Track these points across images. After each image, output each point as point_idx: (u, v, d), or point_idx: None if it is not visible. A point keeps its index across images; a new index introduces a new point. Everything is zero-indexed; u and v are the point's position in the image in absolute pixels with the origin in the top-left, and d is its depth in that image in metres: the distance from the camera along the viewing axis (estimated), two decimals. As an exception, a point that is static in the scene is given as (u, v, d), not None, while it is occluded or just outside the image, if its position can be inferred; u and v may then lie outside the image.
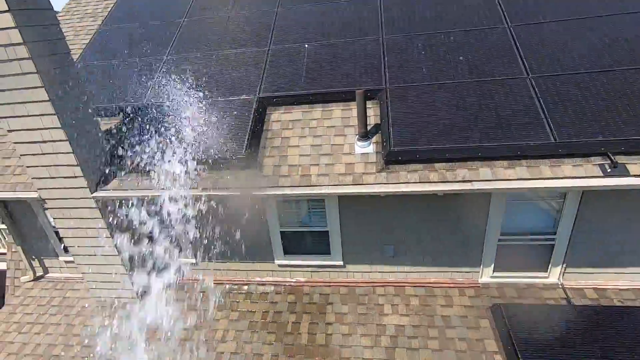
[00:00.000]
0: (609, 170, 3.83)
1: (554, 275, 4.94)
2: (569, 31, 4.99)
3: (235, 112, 5.01)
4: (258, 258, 5.48)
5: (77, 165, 4.55)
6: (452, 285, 5.15)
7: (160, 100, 5.30)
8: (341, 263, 5.32)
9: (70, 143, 4.41)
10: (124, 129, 5.14)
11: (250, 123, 4.86)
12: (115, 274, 5.35)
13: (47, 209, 4.98)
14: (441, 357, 4.35)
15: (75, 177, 4.62)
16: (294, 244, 5.32)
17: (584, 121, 4.09)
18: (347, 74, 5.16)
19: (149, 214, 4.88)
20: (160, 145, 4.82)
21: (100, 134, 4.93)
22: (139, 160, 4.82)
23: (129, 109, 5.31)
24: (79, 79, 4.60)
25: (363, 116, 4.44)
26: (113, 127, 5.27)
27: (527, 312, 4.56)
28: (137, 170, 4.79)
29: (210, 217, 4.96)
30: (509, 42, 5.05)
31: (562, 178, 3.88)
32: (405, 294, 5.13)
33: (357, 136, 4.60)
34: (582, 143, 3.96)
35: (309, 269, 5.47)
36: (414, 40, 5.38)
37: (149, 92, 5.51)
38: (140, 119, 5.14)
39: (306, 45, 5.65)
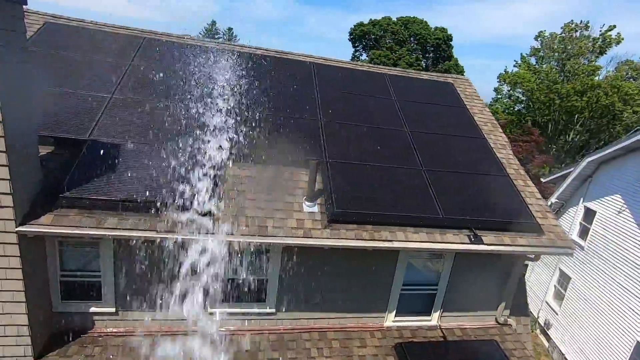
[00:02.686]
0: (473, 239, 5.69)
1: (434, 318, 6.48)
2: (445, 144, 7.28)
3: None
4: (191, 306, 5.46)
5: (8, 194, 4.08)
6: (364, 329, 6.15)
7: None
8: (273, 310, 5.77)
9: (9, 169, 4.01)
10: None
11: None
12: (8, 326, 4.53)
13: None
14: (361, 390, 5.14)
15: (2, 207, 4.10)
16: (230, 291, 5.57)
17: (459, 204, 6.01)
18: (295, 144, 6.19)
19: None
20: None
21: (37, 163, 4.55)
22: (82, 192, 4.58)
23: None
24: (30, 103, 4.34)
25: (313, 182, 5.44)
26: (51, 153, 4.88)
27: (421, 347, 5.85)
28: (79, 206, 4.53)
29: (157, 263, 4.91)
30: (409, 142, 7.01)
31: (448, 243, 5.55)
32: (328, 338, 5.87)
33: (305, 197, 5.52)
34: (458, 219, 5.79)
35: (241, 317, 5.70)
36: (345, 127, 6.88)
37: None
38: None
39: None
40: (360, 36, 43.28)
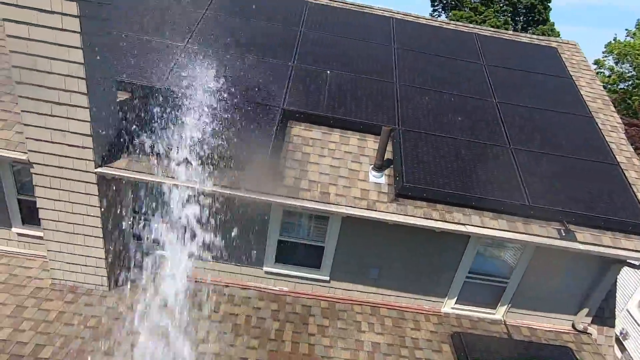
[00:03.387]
0: (564, 234, 4.89)
1: (499, 312, 5.90)
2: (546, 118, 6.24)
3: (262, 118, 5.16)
4: (247, 262, 5.53)
5: (89, 136, 4.24)
6: (420, 311, 5.81)
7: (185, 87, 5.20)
8: (327, 278, 5.64)
9: (90, 111, 4.12)
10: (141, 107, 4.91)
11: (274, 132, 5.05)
12: (89, 257, 4.94)
13: (33, 173, 4.44)
14: (411, 374, 4.90)
15: (83, 147, 4.29)
16: (288, 253, 5.51)
17: (551, 192, 5.16)
18: (366, 108, 5.69)
19: (152, 202, 4.70)
20: (179, 135, 4.73)
21: (115, 108, 4.67)
22: (153, 143, 4.65)
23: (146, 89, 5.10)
24: (111, 48, 4.36)
25: (383, 150, 4.97)
26: (129, 102, 4.99)
27: (481, 341, 5.38)
28: (149, 153, 4.61)
29: (214, 215, 4.94)
30: (497, 115, 6.11)
31: (532, 235, 4.83)
32: (380, 314, 5.64)
33: (372, 166, 5.10)
34: (547, 209, 4.99)
35: (295, 279, 5.67)
36: (424, 93, 6.17)
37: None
38: (162, 103, 4.97)
39: (328, 72, 6.07)
40: (441, -8, 39.23)
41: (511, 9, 37.45)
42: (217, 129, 4.82)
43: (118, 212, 5.04)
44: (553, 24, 36.70)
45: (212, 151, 4.61)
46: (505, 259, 5.68)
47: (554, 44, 8.02)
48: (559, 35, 35.69)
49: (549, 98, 6.63)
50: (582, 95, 6.82)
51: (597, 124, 6.36)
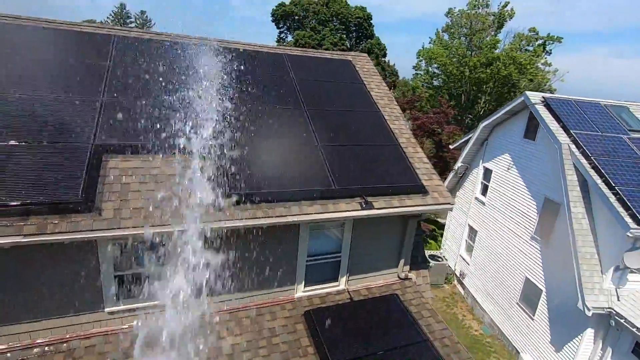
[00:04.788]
0: (364, 206, 6.15)
1: (342, 283, 6.96)
2: (345, 119, 7.63)
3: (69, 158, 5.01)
4: (82, 309, 5.23)
5: None
6: (275, 303, 6.40)
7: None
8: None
9: None
10: None
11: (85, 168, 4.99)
12: None
13: None
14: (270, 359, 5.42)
15: None
16: (127, 287, 5.43)
17: (351, 175, 6.41)
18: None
19: None
20: None
21: None
22: None
23: None
24: None
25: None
26: None
27: (327, 311, 6.27)
28: None
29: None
30: (306, 121, 7.23)
31: (340, 212, 5.93)
32: (239, 317, 6.03)
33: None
34: (350, 189, 6.20)
35: (146, 310, 5.60)
36: (239, 110, 6.87)
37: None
38: None
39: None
40: (283, 16, 42.64)
41: (343, 27, 43.19)
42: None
43: None
44: (378, 38, 43.63)
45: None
46: (333, 237, 6.75)
47: (349, 57, 9.84)
48: (385, 47, 42.72)
49: (347, 100, 8.16)
50: (372, 95, 8.59)
51: (384, 116, 8.12)
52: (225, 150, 5.93)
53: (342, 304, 6.55)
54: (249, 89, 7.44)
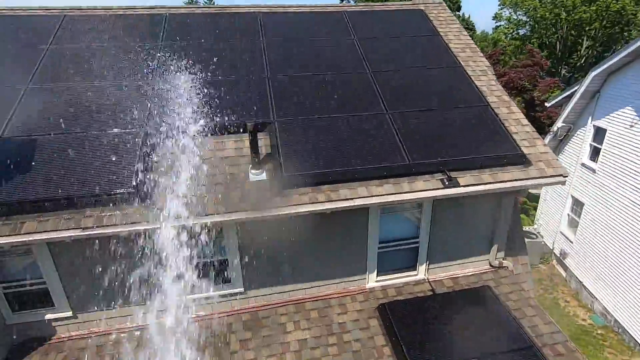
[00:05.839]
0: (447, 183, 5.03)
1: (421, 272, 6.01)
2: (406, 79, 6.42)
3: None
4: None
5: None
6: (345, 294, 5.75)
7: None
8: (242, 289, 5.41)
9: None
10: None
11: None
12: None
13: None
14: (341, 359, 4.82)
15: None
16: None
17: (429, 146, 5.30)
18: (238, 107, 5.50)
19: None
20: None
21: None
22: None
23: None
24: None
25: (255, 147, 4.81)
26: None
27: (405, 305, 5.43)
28: None
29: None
30: (372, 85, 6.18)
31: (417, 191, 4.92)
32: (306, 309, 5.51)
33: (250, 166, 4.93)
34: (428, 163, 5.11)
35: (209, 301, 5.37)
36: (297, 79, 6.09)
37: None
38: None
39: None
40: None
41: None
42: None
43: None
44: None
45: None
46: (409, 220, 5.77)
47: (421, 6, 8.33)
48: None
49: (421, 57, 6.85)
50: (450, 48, 7.12)
51: (467, 72, 6.66)
52: (277, 130, 5.25)
53: (422, 297, 5.63)
54: (306, 56, 6.59)
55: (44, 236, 4.12)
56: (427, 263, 5.97)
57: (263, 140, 5.28)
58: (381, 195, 4.85)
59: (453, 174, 5.12)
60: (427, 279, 6.02)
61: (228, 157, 5.08)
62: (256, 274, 5.38)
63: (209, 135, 5.16)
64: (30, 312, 4.92)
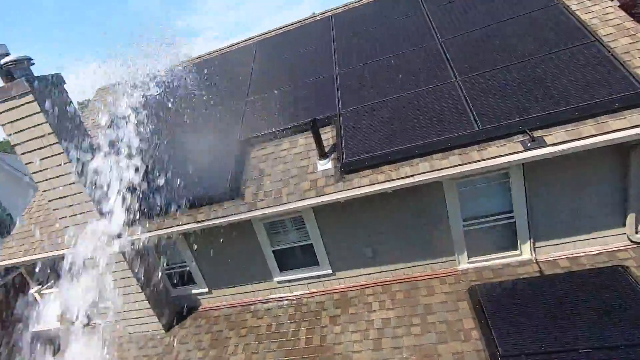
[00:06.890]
0: (529, 144, 4.30)
1: (525, 252, 5.20)
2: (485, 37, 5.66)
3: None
4: (259, 279, 6.20)
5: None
6: (433, 276, 5.52)
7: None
8: (330, 271, 5.89)
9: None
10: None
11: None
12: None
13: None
14: (423, 339, 4.71)
15: (101, 229, 5.73)
16: (286, 260, 6.00)
17: (504, 105, 4.64)
18: (310, 105, 6.06)
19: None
20: None
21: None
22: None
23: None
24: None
25: (317, 138, 5.25)
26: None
27: (500, 288, 4.84)
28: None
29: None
30: (439, 53, 5.78)
31: (489, 159, 4.39)
32: (392, 290, 5.57)
33: (318, 157, 5.40)
34: (502, 125, 4.48)
35: (304, 281, 6.07)
36: (363, 67, 6.26)
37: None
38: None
39: (275, 92, 6.68)
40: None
41: None
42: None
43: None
44: None
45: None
46: (497, 193, 5.10)
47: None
48: None
49: (501, 2, 5.95)
50: (546, -17, 5.92)
51: (567, 7, 5.43)
52: (341, 121, 5.54)
53: (526, 279, 4.88)
54: (371, 43, 6.66)
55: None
56: (532, 241, 5.13)
57: (330, 132, 5.68)
58: (445, 168, 4.54)
59: (539, 133, 4.34)
60: (535, 259, 5.16)
61: (299, 152, 5.68)
62: (340, 256, 5.78)
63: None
64: (183, 288, 6.65)
